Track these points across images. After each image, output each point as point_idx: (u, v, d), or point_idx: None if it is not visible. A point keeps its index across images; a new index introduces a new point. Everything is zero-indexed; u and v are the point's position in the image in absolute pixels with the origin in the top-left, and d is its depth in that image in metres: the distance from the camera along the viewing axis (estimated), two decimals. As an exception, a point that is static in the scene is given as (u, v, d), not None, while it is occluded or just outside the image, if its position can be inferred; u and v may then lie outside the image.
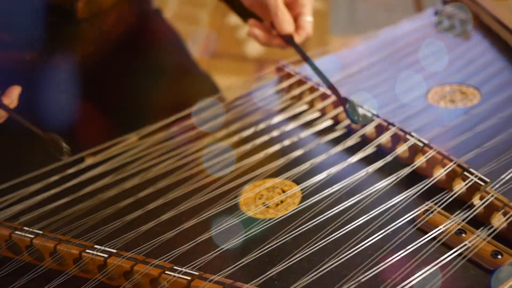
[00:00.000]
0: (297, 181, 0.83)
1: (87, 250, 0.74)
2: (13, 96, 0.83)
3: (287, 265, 0.71)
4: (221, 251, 0.73)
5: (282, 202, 0.81)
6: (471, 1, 1.16)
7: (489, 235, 0.71)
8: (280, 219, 0.78)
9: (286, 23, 0.95)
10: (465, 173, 0.77)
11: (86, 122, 1.08)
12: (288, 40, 0.96)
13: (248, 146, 0.90)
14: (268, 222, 0.77)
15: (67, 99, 1.07)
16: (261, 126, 0.95)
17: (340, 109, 0.92)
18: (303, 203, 0.79)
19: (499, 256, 0.69)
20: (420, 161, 0.81)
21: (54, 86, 1.06)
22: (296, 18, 0.97)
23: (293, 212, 0.79)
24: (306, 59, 0.95)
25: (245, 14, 1.05)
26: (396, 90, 0.99)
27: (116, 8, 1.10)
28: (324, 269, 0.70)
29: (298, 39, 0.97)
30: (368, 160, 0.85)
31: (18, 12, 0.99)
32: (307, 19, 0.97)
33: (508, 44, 1.06)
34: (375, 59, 1.07)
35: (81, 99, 1.07)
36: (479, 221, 0.74)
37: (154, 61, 1.18)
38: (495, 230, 0.72)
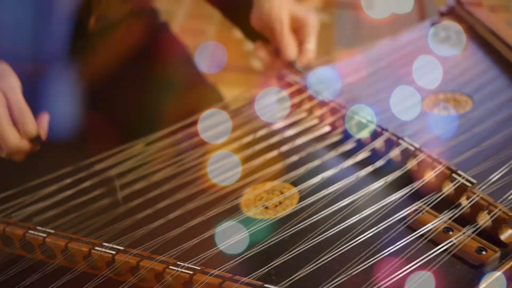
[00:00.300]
0: (295, 183, 0.88)
1: (96, 248, 0.79)
2: (44, 125, 0.91)
3: (284, 261, 0.76)
4: (222, 248, 0.79)
5: (280, 203, 0.86)
6: (467, 13, 1.21)
7: (474, 232, 0.76)
8: (278, 219, 0.83)
9: (290, 51, 1.03)
10: (453, 175, 0.82)
11: (95, 130, 1.14)
12: (289, 65, 1.03)
13: (248, 151, 0.96)
14: (267, 221, 0.82)
15: (77, 108, 1.13)
16: (262, 132, 1.00)
17: (337, 116, 0.98)
18: (300, 204, 0.85)
19: (484, 252, 0.74)
20: (411, 164, 0.86)
21: (64, 96, 1.12)
22: (300, 44, 1.04)
23: (290, 212, 0.84)
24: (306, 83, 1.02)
25: (253, 35, 1.11)
26: (392, 98, 1.04)
27: (125, 21, 1.17)
28: (318, 264, 0.75)
29: (299, 64, 1.03)
30: (362, 164, 0.90)
31: (31, 26, 1.05)
32: (309, 47, 1.04)
33: (501, 54, 1.11)
34: (373, 69, 1.12)
35: (91, 108, 1.13)
36: (466, 220, 0.79)
37: (161, 73, 1.24)
38: (480, 227, 0.77)
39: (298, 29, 1.05)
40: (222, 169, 0.93)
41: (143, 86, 1.22)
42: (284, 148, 0.96)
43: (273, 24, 1.03)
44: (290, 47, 1.03)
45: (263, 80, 1.10)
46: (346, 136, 0.96)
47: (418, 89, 1.05)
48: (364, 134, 0.94)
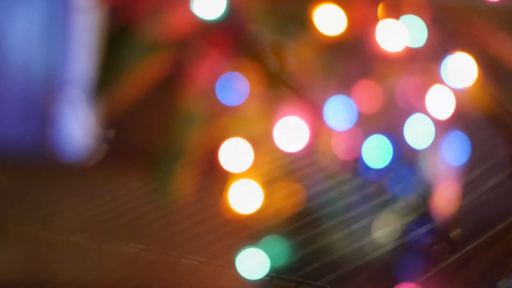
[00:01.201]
0: (292, 195, 1.11)
1: (123, 247, 1.03)
2: None
3: (276, 252, 0.99)
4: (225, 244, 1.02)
5: (280, 211, 1.08)
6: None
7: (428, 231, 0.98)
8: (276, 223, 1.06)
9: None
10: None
11: (120, 156, 1.34)
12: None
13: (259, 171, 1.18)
14: (268, 224, 1.05)
15: (95, 133, 1.33)
16: (274, 156, 1.23)
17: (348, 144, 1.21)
18: (296, 211, 1.07)
19: (434, 247, 0.96)
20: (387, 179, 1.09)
21: (81, 122, 1.32)
22: None
23: (287, 216, 1.06)
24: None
25: None
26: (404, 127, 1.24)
27: (155, 54, 1.39)
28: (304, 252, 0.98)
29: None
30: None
31: (45, 43, 1.18)
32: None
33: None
34: (386, 99, 1.34)
35: (115, 138, 1.34)
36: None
37: (185, 103, 1.44)
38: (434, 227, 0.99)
39: None
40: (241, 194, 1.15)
41: (167, 115, 1.42)
42: (291, 168, 1.19)
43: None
44: None
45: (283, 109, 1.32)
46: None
47: (428, 118, 1.26)
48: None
